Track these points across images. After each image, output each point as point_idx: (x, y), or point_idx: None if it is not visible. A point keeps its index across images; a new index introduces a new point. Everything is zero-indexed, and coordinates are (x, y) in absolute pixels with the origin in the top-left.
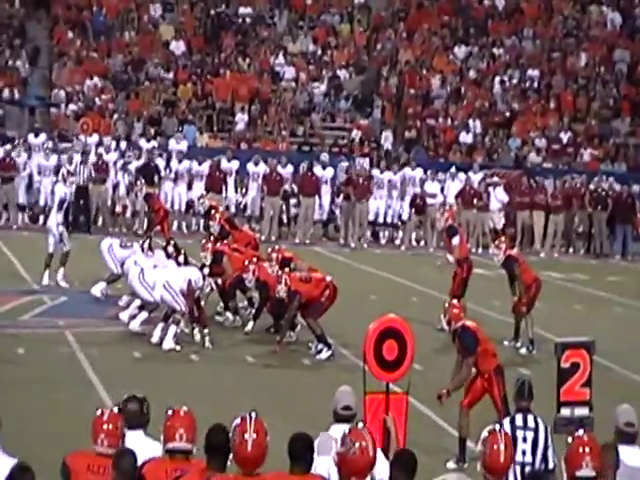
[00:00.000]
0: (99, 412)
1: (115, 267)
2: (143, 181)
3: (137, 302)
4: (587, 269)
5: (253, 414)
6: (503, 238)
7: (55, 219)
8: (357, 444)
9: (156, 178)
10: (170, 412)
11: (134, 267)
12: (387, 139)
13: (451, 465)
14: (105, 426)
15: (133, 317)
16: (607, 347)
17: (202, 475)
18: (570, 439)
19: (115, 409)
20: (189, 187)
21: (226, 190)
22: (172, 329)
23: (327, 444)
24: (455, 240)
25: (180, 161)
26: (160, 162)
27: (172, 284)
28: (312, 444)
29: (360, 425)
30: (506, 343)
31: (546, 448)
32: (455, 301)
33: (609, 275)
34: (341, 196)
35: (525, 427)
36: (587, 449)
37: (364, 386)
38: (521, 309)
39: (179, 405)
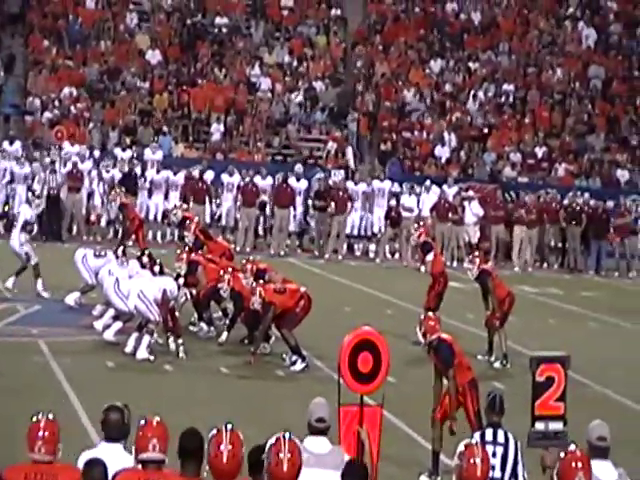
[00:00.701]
0: (35, 419)
1: (89, 278)
2: (123, 190)
3: (111, 312)
4: (561, 284)
5: (229, 425)
6: (477, 252)
7: (18, 239)
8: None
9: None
10: (143, 422)
11: (108, 277)
12: (349, 155)
13: (424, 478)
14: (41, 433)
15: (107, 327)
16: (580, 362)
17: None
18: (562, 454)
19: (50, 416)
20: (165, 197)
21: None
22: (146, 339)
23: (333, 458)
24: (429, 256)
25: (158, 171)
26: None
27: (146, 294)
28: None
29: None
30: (480, 357)
31: (515, 463)
32: (430, 313)
33: (583, 290)
34: (314, 208)
35: (495, 442)
36: (579, 464)
37: (338, 398)
38: (494, 323)
39: (152, 415)
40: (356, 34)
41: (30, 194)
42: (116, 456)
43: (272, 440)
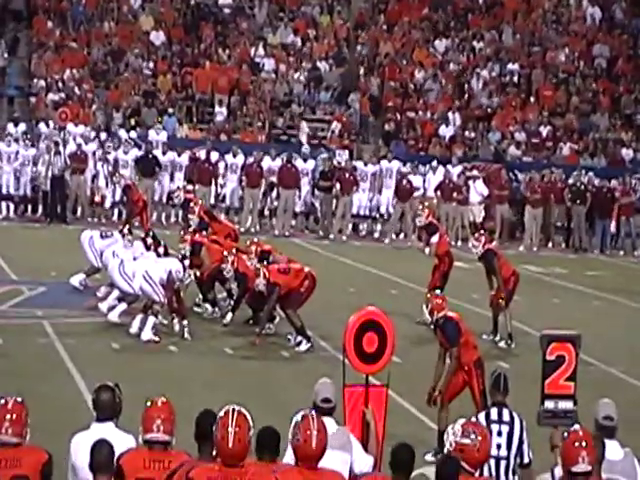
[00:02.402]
0: (2, 401)
1: (95, 260)
2: (123, 174)
3: (115, 293)
4: (566, 263)
5: (236, 407)
6: (482, 231)
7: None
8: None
9: (157, 169)
10: (148, 403)
11: (113, 258)
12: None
13: (429, 458)
14: (9, 415)
15: (112, 308)
16: (586, 341)
17: (189, 466)
18: (566, 434)
19: (19, 398)
20: (171, 178)
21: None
22: (151, 320)
23: (339, 439)
24: (434, 238)
25: (164, 152)
26: (135, 153)
27: (152, 275)
28: (278, 434)
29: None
30: (485, 337)
31: (521, 442)
32: (437, 292)
33: (588, 269)
34: (319, 189)
35: (500, 421)
36: (583, 444)
37: (343, 378)
38: (499, 303)
39: (157, 396)
40: (358, 18)
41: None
42: (108, 435)
43: (221, 413)
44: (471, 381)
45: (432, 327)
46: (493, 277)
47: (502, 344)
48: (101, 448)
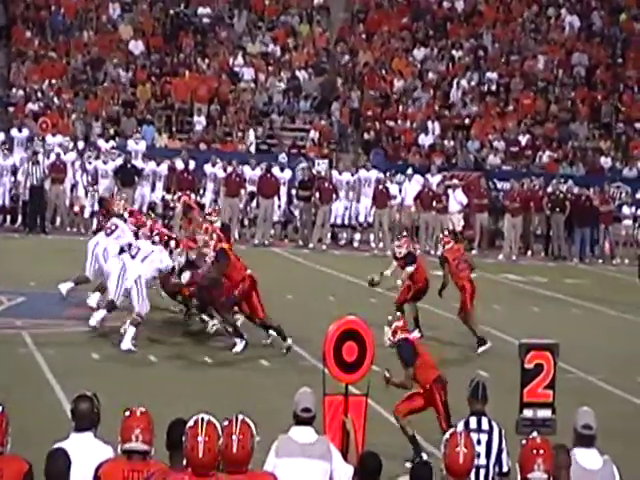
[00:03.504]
0: None
1: (89, 269)
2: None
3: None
4: (545, 271)
5: (206, 417)
6: (405, 233)
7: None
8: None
9: (136, 178)
10: (127, 413)
11: (117, 262)
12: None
13: (409, 465)
14: None
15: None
16: (565, 349)
17: (163, 475)
18: (524, 441)
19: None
20: (152, 188)
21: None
22: (131, 330)
23: (287, 446)
24: (410, 267)
25: (144, 162)
26: (117, 162)
27: (143, 282)
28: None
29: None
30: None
31: (500, 451)
32: (398, 314)
33: (567, 278)
34: (298, 198)
35: (479, 430)
36: (540, 451)
37: (323, 388)
38: (466, 312)
39: (136, 406)
40: (339, 31)
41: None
42: (87, 445)
43: (190, 423)
44: (433, 399)
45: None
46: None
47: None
48: (57, 458)
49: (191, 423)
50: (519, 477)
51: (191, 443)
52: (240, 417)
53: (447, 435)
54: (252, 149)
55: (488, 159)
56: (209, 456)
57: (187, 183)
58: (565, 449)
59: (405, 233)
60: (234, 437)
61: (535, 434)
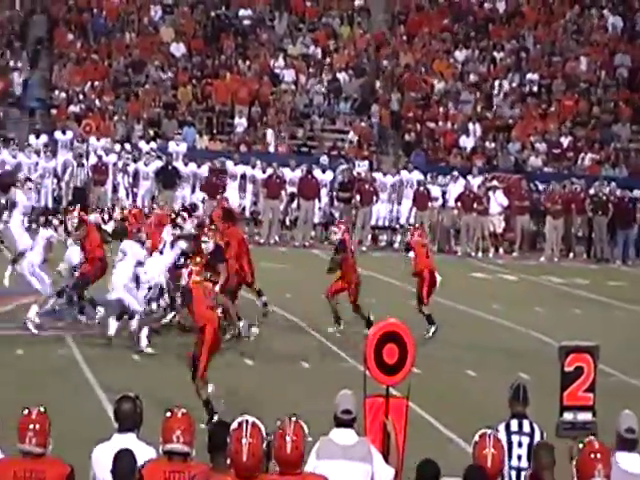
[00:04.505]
0: (26, 411)
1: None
2: (157, 185)
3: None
4: (587, 274)
5: (250, 419)
6: (342, 225)
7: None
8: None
9: (177, 181)
10: (168, 414)
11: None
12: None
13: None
14: (32, 425)
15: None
16: (607, 352)
17: (204, 477)
18: (581, 445)
19: (42, 409)
20: (192, 190)
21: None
22: (144, 331)
23: (328, 448)
24: (410, 254)
25: (186, 164)
26: (156, 164)
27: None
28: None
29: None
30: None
31: None
32: None
33: (609, 280)
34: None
35: (520, 432)
36: (599, 455)
37: (364, 390)
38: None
39: (177, 407)
40: (380, 33)
41: (23, 178)
42: (130, 446)
43: (234, 425)
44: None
45: None
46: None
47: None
48: (123, 458)
49: (235, 425)
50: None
51: (235, 446)
52: (250, 420)
53: (477, 437)
54: (271, 149)
55: (529, 161)
56: (253, 459)
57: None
58: (549, 448)
59: (418, 225)
60: (287, 438)
61: (592, 438)
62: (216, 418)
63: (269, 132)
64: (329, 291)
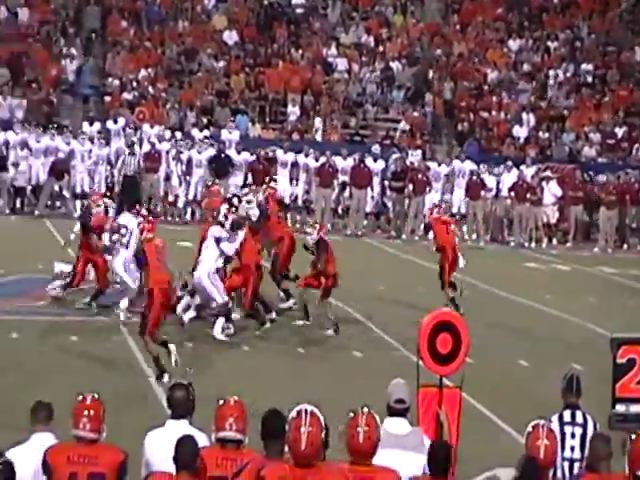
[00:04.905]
0: (80, 397)
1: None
2: (210, 173)
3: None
4: None
5: (309, 408)
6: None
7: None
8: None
9: (230, 169)
10: (221, 401)
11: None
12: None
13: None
14: (87, 411)
15: (187, 308)
16: None
17: (260, 464)
18: (633, 436)
19: (96, 395)
20: (245, 178)
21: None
22: (220, 320)
23: (382, 437)
24: (430, 234)
25: (239, 152)
26: (209, 152)
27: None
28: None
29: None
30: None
31: None
32: None
33: None
34: (391, 189)
35: (573, 423)
36: None
37: (417, 379)
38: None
39: (230, 395)
40: (433, 22)
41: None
42: (182, 432)
43: (293, 413)
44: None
45: None
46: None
47: (330, 332)
48: (185, 444)
49: (294, 414)
50: (627, 472)
51: (294, 434)
52: (309, 409)
53: (529, 427)
54: (318, 137)
55: (583, 151)
56: (312, 448)
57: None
58: (606, 439)
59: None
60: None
61: None
62: (166, 377)
63: (317, 120)
64: (304, 283)
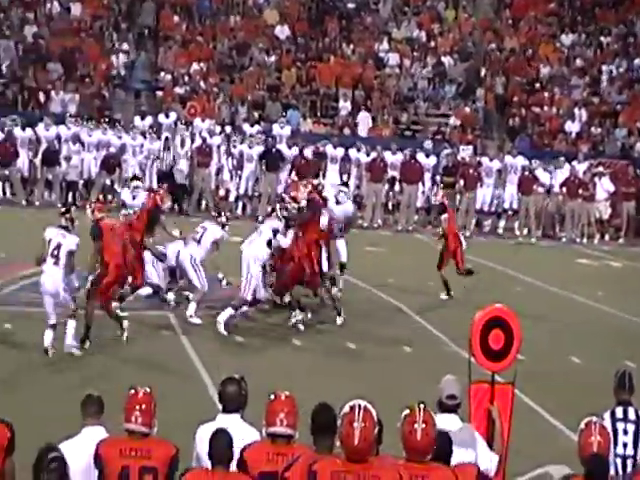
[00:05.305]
0: (132, 391)
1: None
2: (261, 167)
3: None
4: None
5: (362, 403)
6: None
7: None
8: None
9: (281, 163)
10: (272, 396)
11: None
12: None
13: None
14: (138, 404)
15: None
16: None
17: (311, 459)
18: None
19: (147, 389)
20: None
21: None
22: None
23: (463, 436)
24: (444, 215)
25: (290, 147)
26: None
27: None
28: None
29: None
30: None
31: None
32: None
33: None
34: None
35: (626, 419)
36: None
37: (469, 375)
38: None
39: (281, 390)
40: (482, 20)
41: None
42: (234, 426)
43: (346, 409)
44: None
45: None
46: None
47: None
48: (220, 438)
49: (347, 409)
50: None
51: (347, 429)
52: (362, 404)
53: (582, 424)
54: (362, 132)
55: (636, 147)
56: (365, 443)
57: (309, 168)
58: None
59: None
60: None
61: None
62: (125, 324)
63: (362, 115)
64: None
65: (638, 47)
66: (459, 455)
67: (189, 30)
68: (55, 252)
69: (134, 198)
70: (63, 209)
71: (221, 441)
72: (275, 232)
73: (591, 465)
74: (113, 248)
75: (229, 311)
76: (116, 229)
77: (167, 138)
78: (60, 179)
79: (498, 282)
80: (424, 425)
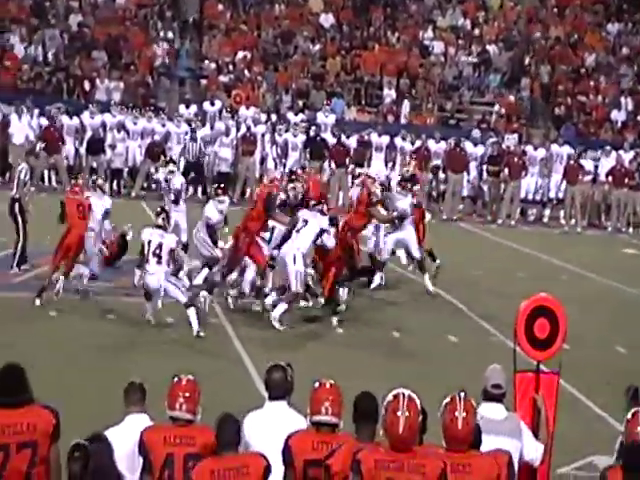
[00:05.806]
0: (176, 378)
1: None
2: (305, 156)
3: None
4: None
5: (406, 392)
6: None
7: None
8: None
9: (325, 152)
10: (316, 385)
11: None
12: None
13: None
14: (182, 392)
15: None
16: None
17: (355, 447)
18: None
19: (191, 377)
20: None
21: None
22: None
23: (509, 425)
24: (416, 186)
25: (334, 135)
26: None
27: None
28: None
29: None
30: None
31: None
32: None
33: None
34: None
35: None
36: None
37: (514, 364)
38: None
39: (325, 378)
40: (527, 9)
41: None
42: (281, 413)
43: (390, 397)
44: None
45: None
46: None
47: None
48: (227, 422)
49: (390, 397)
50: None
51: (391, 418)
52: (406, 393)
53: (629, 415)
54: (403, 120)
55: None
56: (409, 432)
57: (342, 155)
58: None
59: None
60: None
61: None
62: (42, 297)
63: (405, 103)
64: None
65: None
66: (502, 444)
67: (233, 19)
68: (157, 251)
69: (167, 181)
70: (158, 208)
71: (229, 425)
72: (322, 231)
73: (631, 454)
74: (77, 222)
75: (283, 306)
76: (85, 206)
77: (193, 129)
78: (105, 167)
79: (543, 271)
80: (465, 414)
